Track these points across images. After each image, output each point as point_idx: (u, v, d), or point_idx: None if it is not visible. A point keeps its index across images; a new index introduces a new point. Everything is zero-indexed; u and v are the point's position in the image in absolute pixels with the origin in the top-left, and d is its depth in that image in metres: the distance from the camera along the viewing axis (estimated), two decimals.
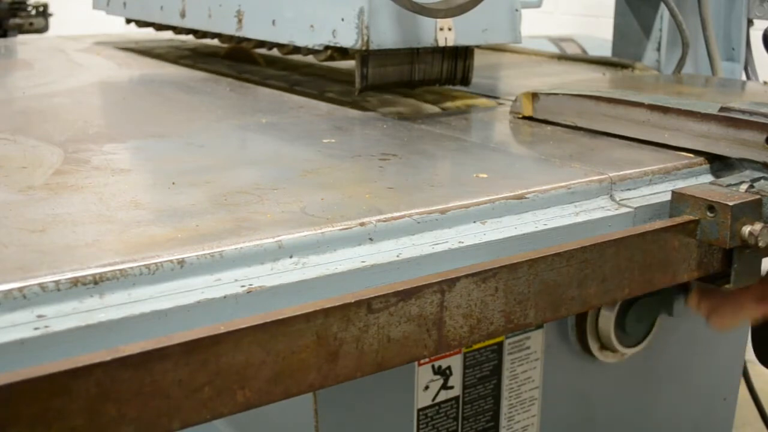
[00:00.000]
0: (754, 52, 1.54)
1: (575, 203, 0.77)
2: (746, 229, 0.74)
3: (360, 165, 0.84)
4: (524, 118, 1.07)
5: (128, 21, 1.68)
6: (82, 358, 0.45)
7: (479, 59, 1.23)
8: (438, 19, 1.06)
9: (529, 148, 0.95)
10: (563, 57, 1.77)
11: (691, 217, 0.75)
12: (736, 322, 1.01)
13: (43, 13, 3.10)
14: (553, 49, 1.97)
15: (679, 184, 0.84)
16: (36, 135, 0.93)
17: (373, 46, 1.04)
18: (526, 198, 0.74)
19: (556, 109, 1.03)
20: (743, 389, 1.49)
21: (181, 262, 0.56)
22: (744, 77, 1.55)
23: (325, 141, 0.93)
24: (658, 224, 0.74)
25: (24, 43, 1.98)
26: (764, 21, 1.47)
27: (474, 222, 0.70)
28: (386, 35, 1.04)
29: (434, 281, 0.59)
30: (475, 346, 0.99)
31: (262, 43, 1.27)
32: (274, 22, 1.18)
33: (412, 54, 1.13)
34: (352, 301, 0.55)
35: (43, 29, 3.09)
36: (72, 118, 1.07)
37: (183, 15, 1.42)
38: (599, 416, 1.17)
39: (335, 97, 1.20)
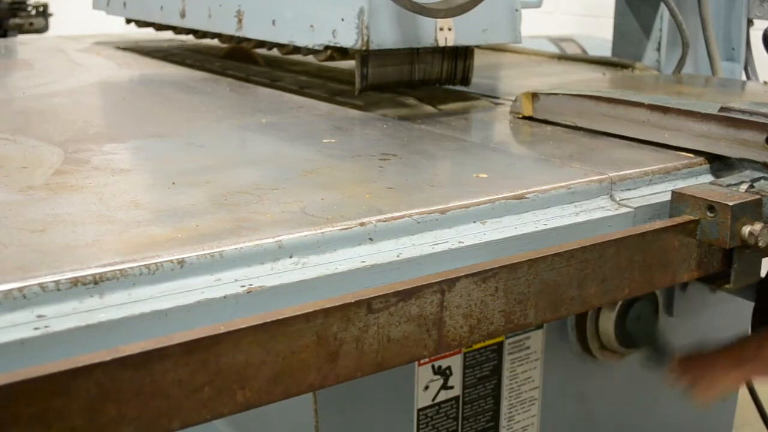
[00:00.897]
0: (754, 52, 1.54)
1: (575, 203, 0.77)
2: (746, 229, 0.74)
3: (360, 165, 0.84)
4: (524, 118, 1.07)
5: (128, 21, 1.68)
6: (82, 358, 0.45)
7: (479, 59, 1.23)
8: (438, 19, 1.06)
9: (529, 148, 0.95)
10: (563, 57, 1.77)
11: (691, 217, 0.75)
12: (718, 392, 1.00)
13: (43, 13, 3.10)
14: (553, 49, 1.97)
15: (679, 184, 0.84)
16: (36, 135, 0.93)
17: (373, 46, 1.04)
18: (526, 198, 0.74)
19: (556, 109, 1.03)
20: (743, 389, 1.49)
21: (181, 262, 0.56)
22: (744, 77, 1.55)
23: (325, 141, 0.93)
24: (658, 224, 0.74)
25: (24, 43, 1.98)
26: (764, 21, 1.47)
27: (474, 222, 0.70)
28: (386, 35, 1.04)
29: (434, 281, 0.59)
30: (475, 346, 0.99)
31: (262, 43, 1.27)
32: (274, 22, 1.18)
33: (412, 54, 1.13)
34: (352, 301, 0.55)
35: (43, 29, 3.09)
36: (72, 118, 1.07)
37: (183, 15, 1.42)
38: (599, 416, 1.17)
39: (335, 97, 1.20)
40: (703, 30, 1.42)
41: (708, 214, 0.74)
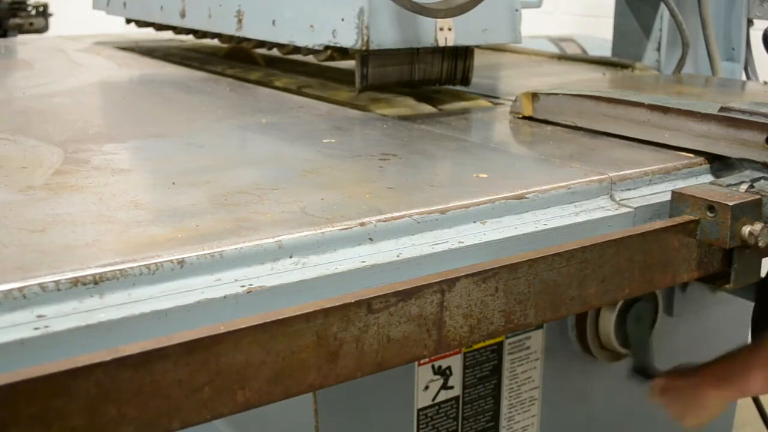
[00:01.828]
0: (754, 52, 1.54)
1: (575, 203, 0.77)
2: (746, 229, 0.74)
3: (360, 165, 0.84)
4: (524, 118, 1.07)
5: (128, 21, 1.68)
6: (82, 358, 0.45)
7: (479, 59, 1.23)
8: (438, 19, 1.06)
9: (529, 148, 0.95)
10: (563, 57, 1.77)
11: (691, 217, 0.75)
12: (700, 414, 1.00)
13: (43, 13, 3.10)
14: (553, 49, 1.97)
15: (679, 184, 0.84)
16: (36, 135, 0.93)
17: (373, 46, 1.04)
18: (526, 198, 0.74)
19: (556, 109, 1.03)
20: None
21: (181, 262, 0.56)
22: (744, 77, 1.55)
23: (325, 141, 0.93)
24: (658, 224, 0.74)
25: (24, 43, 1.98)
26: (764, 21, 1.47)
27: (474, 222, 0.70)
28: (386, 35, 1.04)
29: (434, 281, 0.59)
30: (475, 346, 0.99)
31: (262, 43, 1.27)
32: (274, 22, 1.18)
33: (412, 54, 1.13)
34: (352, 301, 0.55)
35: (43, 29, 3.09)
36: (72, 118, 1.07)
37: (183, 15, 1.42)
38: (599, 416, 1.17)
39: (335, 97, 1.20)
40: (703, 30, 1.42)
41: (708, 214, 0.74)
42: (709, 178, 0.87)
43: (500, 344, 1.01)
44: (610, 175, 0.80)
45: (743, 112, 0.86)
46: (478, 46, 1.18)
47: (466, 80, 1.20)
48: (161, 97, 1.27)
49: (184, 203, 0.69)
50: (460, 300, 0.60)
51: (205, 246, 0.58)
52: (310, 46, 1.12)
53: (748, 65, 1.54)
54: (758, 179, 0.81)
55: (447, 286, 0.60)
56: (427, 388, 0.96)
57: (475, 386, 1.00)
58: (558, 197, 0.76)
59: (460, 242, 0.67)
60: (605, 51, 1.72)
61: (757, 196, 0.76)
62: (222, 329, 0.50)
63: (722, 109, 0.88)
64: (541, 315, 0.66)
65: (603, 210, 0.77)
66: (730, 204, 0.73)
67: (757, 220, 0.75)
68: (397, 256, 0.64)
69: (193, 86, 1.33)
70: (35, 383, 0.44)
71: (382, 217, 0.66)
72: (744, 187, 0.79)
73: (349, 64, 1.17)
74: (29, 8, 3.08)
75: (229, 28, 1.29)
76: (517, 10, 1.15)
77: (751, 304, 1.08)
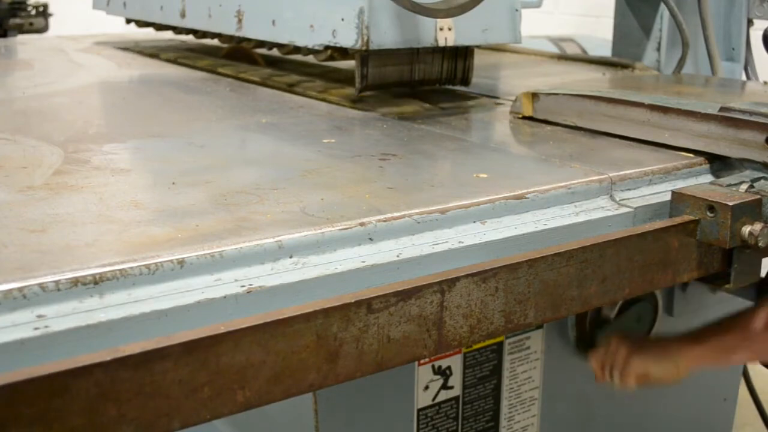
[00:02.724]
0: (754, 52, 1.53)
1: (575, 203, 0.77)
2: (746, 229, 0.74)
3: (360, 165, 0.84)
4: (524, 118, 1.07)
5: (128, 21, 1.68)
6: (82, 358, 0.45)
7: (479, 59, 1.23)
8: (438, 19, 1.06)
9: (529, 148, 0.95)
10: (563, 57, 1.77)
11: (691, 217, 0.75)
12: (668, 371, 0.98)
13: (43, 13, 3.11)
14: (553, 49, 1.97)
15: (679, 184, 0.84)
16: (36, 135, 0.93)
17: (373, 46, 1.04)
18: (526, 198, 0.73)
19: (556, 109, 1.03)
20: (743, 389, 1.49)
21: (181, 262, 0.56)
22: (744, 77, 1.55)
23: (325, 141, 0.93)
24: (658, 224, 0.74)
25: (24, 43, 1.98)
26: (764, 21, 1.47)
27: (474, 222, 0.70)
28: (386, 35, 1.04)
29: (434, 281, 0.59)
30: (475, 346, 0.99)
31: (262, 43, 1.27)
32: (274, 22, 1.18)
33: (412, 54, 1.13)
34: (352, 301, 0.55)
35: (43, 29, 3.09)
36: (72, 118, 1.07)
37: (183, 15, 1.42)
38: (599, 416, 1.17)
39: (335, 97, 1.20)
40: (703, 30, 1.42)
41: (708, 214, 0.74)
42: (709, 178, 0.87)
43: (500, 344, 1.01)
44: (610, 175, 0.80)
45: (743, 112, 0.86)
46: (478, 46, 1.18)
47: (466, 80, 1.20)
48: (161, 97, 1.27)
49: (184, 203, 0.69)
50: (460, 300, 0.60)
51: (205, 246, 0.58)
52: (310, 46, 1.12)
53: (748, 65, 1.54)
54: (758, 179, 0.81)
55: (447, 286, 0.60)
56: (427, 388, 0.96)
57: (475, 386, 1.00)
58: (558, 197, 0.76)
59: (460, 242, 0.67)
60: (605, 51, 1.72)
61: (757, 196, 0.76)
62: (222, 329, 0.50)
63: (722, 109, 0.88)
64: (541, 315, 0.66)
65: (603, 210, 0.77)
66: (730, 204, 0.73)
67: (757, 220, 0.75)
68: (397, 256, 0.64)
69: (193, 86, 1.33)
70: (35, 383, 0.44)
71: (382, 217, 0.66)
72: (744, 187, 0.79)
73: (349, 64, 1.17)
74: (29, 8, 3.08)
75: (229, 28, 1.29)
76: (517, 10, 1.15)
77: (751, 304, 1.08)
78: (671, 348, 0.96)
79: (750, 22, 1.53)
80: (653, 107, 0.93)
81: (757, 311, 0.91)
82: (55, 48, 1.76)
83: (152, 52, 1.66)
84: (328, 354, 0.55)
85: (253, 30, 1.24)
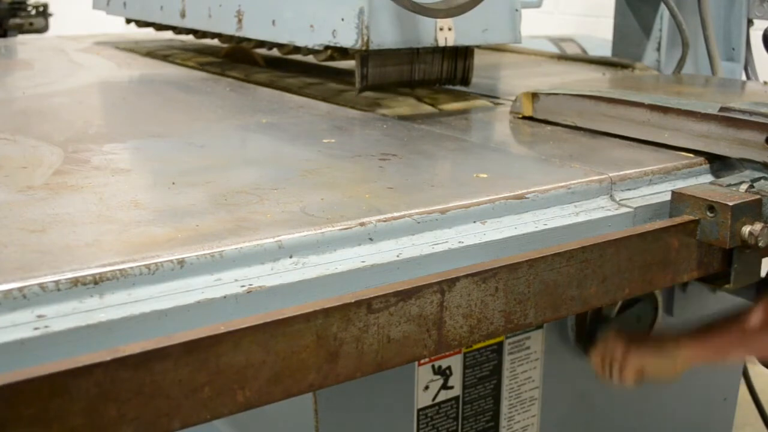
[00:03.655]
0: (754, 52, 1.53)
1: (575, 203, 0.77)
2: (746, 229, 0.74)
3: (360, 165, 0.84)
4: (524, 118, 1.07)
5: (128, 21, 1.68)
6: (82, 358, 0.45)
7: (479, 59, 1.23)
8: (438, 19, 1.06)
9: (529, 148, 0.95)
10: (563, 57, 1.77)
11: (691, 217, 0.75)
12: (666, 368, 0.98)
13: (43, 13, 3.11)
14: (553, 49, 1.97)
15: (679, 184, 0.84)
16: (36, 135, 0.93)
17: (373, 46, 1.04)
18: (526, 198, 0.74)
19: (556, 109, 1.03)
20: (743, 389, 1.49)
21: (181, 262, 0.56)
22: (744, 77, 1.55)
23: (325, 141, 0.93)
24: (658, 224, 0.74)
25: (24, 43, 1.98)
26: (764, 21, 1.47)
27: (474, 222, 0.70)
28: (386, 35, 1.04)
29: (434, 281, 0.59)
30: (475, 346, 0.99)
31: (262, 43, 1.27)
32: (274, 22, 1.18)
33: (412, 54, 1.13)
34: (352, 301, 0.55)
35: (43, 29, 3.09)
36: (72, 118, 1.07)
37: (183, 15, 1.42)
38: (599, 416, 1.17)
39: (335, 97, 1.20)
40: (703, 30, 1.42)
41: (708, 214, 0.74)
42: (709, 178, 0.87)
43: (500, 344, 1.01)
44: (610, 175, 0.80)
45: (743, 112, 0.86)
46: (478, 46, 1.18)
47: (466, 80, 1.20)
48: (161, 97, 1.27)
49: (184, 203, 0.69)
50: (460, 300, 0.60)
51: (205, 246, 0.58)
52: (310, 46, 1.12)
53: (748, 65, 1.54)
54: (758, 179, 0.81)
55: (447, 286, 0.60)
56: (427, 388, 0.96)
57: (475, 386, 1.00)
58: (558, 197, 0.76)
59: (460, 242, 0.67)
60: (605, 51, 1.72)
61: (757, 196, 0.76)
62: (222, 329, 0.50)
63: (722, 109, 0.88)
64: (541, 315, 0.66)
65: (603, 210, 0.77)
66: (730, 204, 0.73)
67: (757, 220, 0.75)
68: (397, 256, 0.64)
69: (193, 86, 1.33)
70: (35, 383, 0.44)
71: (382, 217, 0.66)
72: (744, 187, 0.79)
73: (349, 64, 1.17)
74: (29, 8, 3.08)
75: (229, 28, 1.29)
76: (517, 10, 1.15)
77: (751, 304, 1.07)
78: (669, 344, 0.96)
79: (750, 22, 1.53)
80: (653, 107, 0.93)
81: (754, 309, 0.91)
82: (55, 48, 1.76)
83: (152, 52, 1.66)
84: (328, 354, 0.55)
85: (253, 30, 1.24)
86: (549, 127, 1.02)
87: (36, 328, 0.49)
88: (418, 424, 0.96)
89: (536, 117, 1.05)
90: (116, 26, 1.88)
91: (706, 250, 0.76)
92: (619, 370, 0.98)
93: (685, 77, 1.44)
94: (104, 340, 0.51)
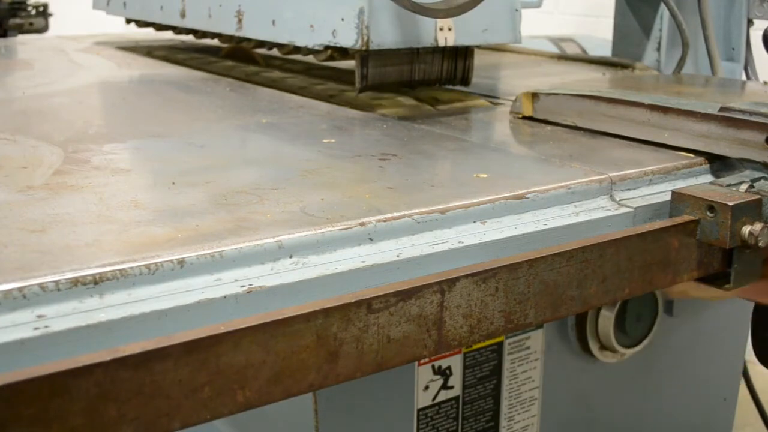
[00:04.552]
0: (754, 52, 1.53)
1: (575, 203, 0.77)
2: (746, 229, 0.74)
3: (360, 165, 0.84)
4: (524, 118, 1.07)
5: (128, 21, 1.68)
6: (82, 358, 0.45)
7: (479, 59, 1.23)
8: (438, 19, 1.06)
9: (529, 148, 0.95)
10: (563, 57, 1.77)
11: (691, 217, 0.75)
12: None
13: (43, 13, 3.11)
14: (553, 49, 1.97)
15: (679, 184, 0.84)
16: (36, 135, 0.93)
17: (373, 46, 1.04)
18: (526, 198, 0.74)
19: (556, 109, 1.03)
20: (743, 389, 1.49)
21: (181, 262, 0.56)
22: (744, 77, 1.55)
23: (325, 141, 0.93)
24: (658, 224, 0.74)
25: (24, 43, 1.98)
26: (764, 21, 1.47)
27: (474, 222, 0.70)
28: (386, 35, 1.04)
29: (434, 281, 0.59)
30: (475, 346, 0.99)
31: (262, 43, 1.27)
32: (274, 22, 1.18)
33: (412, 54, 1.13)
34: (352, 301, 0.55)
35: (43, 29, 3.09)
36: (72, 118, 1.07)
37: (183, 15, 1.42)
38: (599, 416, 1.17)
39: (335, 97, 1.20)
40: (703, 30, 1.42)
41: (708, 214, 0.74)
42: (709, 178, 0.87)
43: (500, 344, 1.01)
44: (610, 175, 0.80)
45: (743, 112, 0.86)
46: (478, 46, 1.18)
47: (466, 80, 1.20)
48: (161, 97, 1.27)
49: (184, 203, 0.69)
50: (460, 300, 0.60)
51: (205, 246, 0.58)
52: (310, 46, 1.12)
53: (748, 65, 1.54)
54: (758, 179, 0.81)
55: (447, 286, 0.60)
56: (427, 388, 0.96)
57: (475, 386, 1.00)
58: (558, 197, 0.76)
59: (460, 242, 0.67)
60: (605, 51, 1.72)
61: (757, 196, 0.76)
62: (222, 329, 0.50)
63: (722, 109, 0.88)
64: (541, 315, 0.66)
65: (603, 210, 0.77)
66: (730, 204, 0.73)
67: (757, 220, 0.75)
68: (397, 256, 0.64)
69: (193, 86, 1.33)
70: (35, 383, 0.44)
71: (382, 217, 0.66)
72: (744, 187, 0.79)
73: (349, 64, 1.17)
74: (29, 8, 3.08)
75: (229, 28, 1.29)
76: (517, 10, 1.15)
77: (751, 304, 1.08)
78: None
79: (750, 22, 1.53)
80: (653, 107, 0.93)
81: None
82: (55, 48, 1.76)
83: (152, 52, 1.66)
84: (328, 354, 0.55)
85: (253, 30, 1.24)
86: (549, 127, 1.02)
87: (36, 328, 0.49)
88: (418, 424, 0.96)
89: (536, 117, 1.05)
90: (116, 26, 1.88)
91: (706, 250, 0.76)
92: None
93: (685, 77, 1.44)
94: (104, 340, 0.51)
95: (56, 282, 0.52)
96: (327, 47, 1.10)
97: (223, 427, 1.03)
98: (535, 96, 1.06)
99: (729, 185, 0.79)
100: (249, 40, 1.28)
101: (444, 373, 0.97)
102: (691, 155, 0.89)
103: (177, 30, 1.52)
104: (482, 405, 1.02)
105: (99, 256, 0.56)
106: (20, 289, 0.51)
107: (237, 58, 1.55)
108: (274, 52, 1.27)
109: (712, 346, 1.30)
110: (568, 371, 1.10)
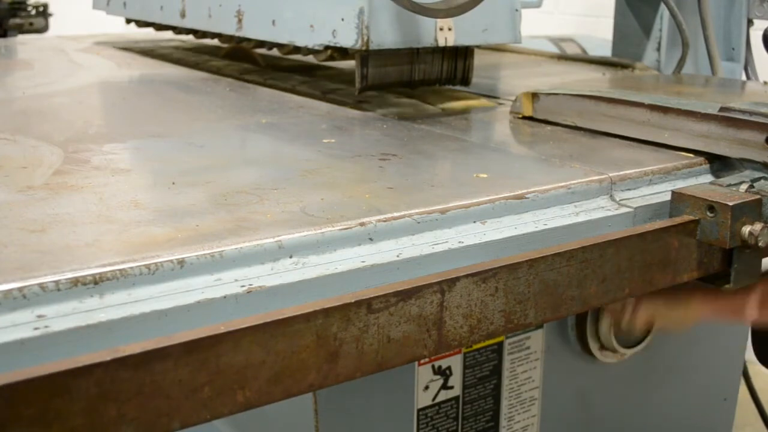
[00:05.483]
0: (754, 52, 1.53)
1: (575, 203, 0.77)
2: (746, 229, 0.74)
3: (360, 165, 0.84)
4: (524, 118, 1.07)
5: (128, 21, 1.68)
6: (82, 358, 0.45)
7: (479, 59, 1.23)
8: (438, 19, 1.06)
9: (529, 148, 0.95)
10: (563, 57, 1.77)
11: (691, 217, 0.75)
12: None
13: (43, 13, 3.11)
14: (553, 49, 1.97)
15: (679, 184, 0.84)
16: (36, 135, 0.93)
17: (373, 46, 1.04)
18: (526, 198, 0.74)
19: (556, 109, 1.03)
20: (743, 389, 1.49)
21: (181, 262, 0.56)
22: (744, 77, 1.55)
23: (325, 141, 0.93)
24: (658, 224, 0.74)
25: (24, 43, 1.98)
26: (764, 21, 1.47)
27: (474, 222, 0.70)
28: (386, 35, 1.04)
29: (434, 281, 0.59)
30: (475, 346, 0.99)
31: (262, 43, 1.27)
32: (274, 22, 1.18)
33: (412, 54, 1.13)
34: (352, 301, 0.55)
35: (43, 29, 3.09)
36: (72, 118, 1.07)
37: (183, 15, 1.42)
38: (599, 416, 1.17)
39: (335, 97, 1.20)
40: (703, 30, 1.42)
41: (708, 214, 0.74)
42: (709, 178, 0.87)
43: (500, 344, 1.01)
44: (610, 175, 0.80)
45: (743, 112, 0.86)
46: (478, 46, 1.18)
47: (466, 80, 1.20)
48: (161, 97, 1.27)
49: (184, 203, 0.69)
50: (460, 300, 0.60)
51: (205, 246, 0.58)
52: (310, 46, 1.12)
53: (748, 65, 1.54)
54: (758, 179, 0.81)
55: (447, 286, 0.60)
56: (427, 388, 0.96)
57: (475, 386, 1.00)
58: (558, 197, 0.76)
59: (460, 242, 0.67)
60: (605, 51, 1.72)
61: (757, 196, 0.76)
62: (222, 329, 0.50)
63: (722, 109, 0.88)
64: (541, 315, 0.66)
65: (603, 210, 0.77)
66: (730, 204, 0.73)
67: (757, 220, 0.75)
68: (397, 256, 0.64)
69: (193, 86, 1.33)
70: (35, 383, 0.44)
71: (382, 217, 0.66)
72: (744, 187, 0.79)
73: (349, 64, 1.17)
74: (29, 8, 3.08)
75: (229, 28, 1.29)
76: (517, 10, 1.15)
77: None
78: (683, 295, 0.94)
79: (750, 22, 1.53)
80: (653, 107, 0.93)
81: None
82: (55, 48, 1.76)
83: (152, 52, 1.66)
84: (328, 354, 0.55)
85: (253, 30, 1.24)
86: (549, 127, 1.02)
87: (36, 328, 0.49)
88: (418, 424, 0.96)
89: (536, 117, 1.05)
90: (116, 26, 1.88)
91: (706, 250, 0.76)
92: (631, 314, 0.96)
93: (685, 77, 1.44)
94: (104, 340, 0.51)
95: (56, 282, 0.52)
96: (327, 47, 1.10)
97: (223, 427, 1.03)
98: (535, 96, 1.06)
99: (729, 185, 0.79)
100: (249, 40, 1.28)
101: (444, 373, 0.97)
102: (691, 155, 0.89)
103: (177, 30, 1.52)
104: (482, 405, 1.02)
105: (99, 256, 0.56)
106: (20, 289, 0.51)
107: (237, 58, 1.55)
108: (274, 52, 1.27)
109: (712, 346, 1.29)
110: (568, 371, 1.10)
